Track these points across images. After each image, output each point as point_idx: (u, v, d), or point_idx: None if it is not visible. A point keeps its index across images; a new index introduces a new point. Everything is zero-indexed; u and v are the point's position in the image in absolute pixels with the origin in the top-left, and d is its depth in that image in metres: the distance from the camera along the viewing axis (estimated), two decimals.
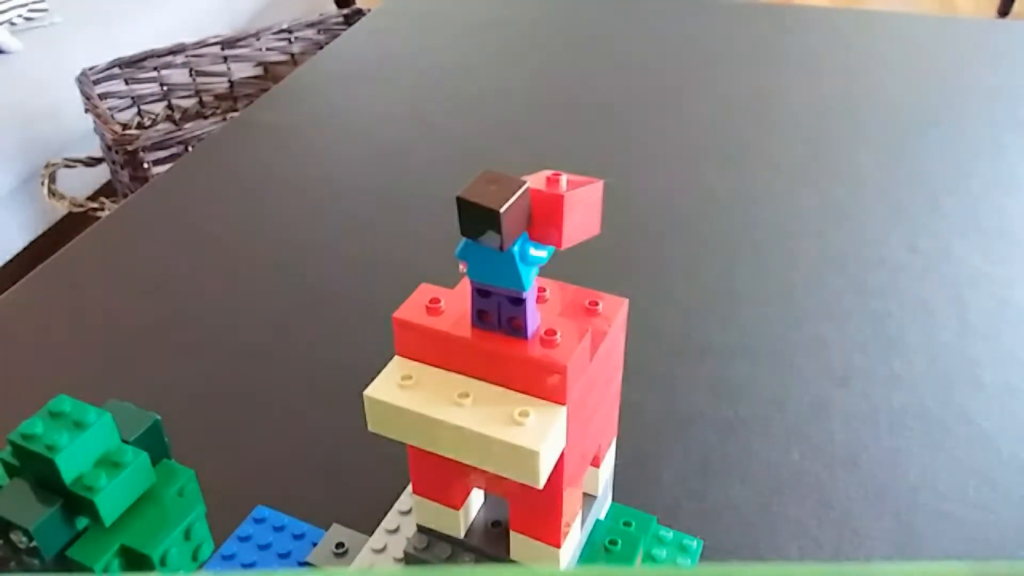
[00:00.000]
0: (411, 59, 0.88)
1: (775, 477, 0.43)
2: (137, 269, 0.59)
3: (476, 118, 0.77)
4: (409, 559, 0.32)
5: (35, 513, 0.25)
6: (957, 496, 0.42)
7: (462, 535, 0.31)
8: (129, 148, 1.32)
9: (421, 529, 0.32)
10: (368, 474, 0.43)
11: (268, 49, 1.65)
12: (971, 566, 0.13)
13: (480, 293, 0.26)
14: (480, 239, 0.24)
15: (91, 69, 1.47)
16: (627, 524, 0.35)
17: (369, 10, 1.08)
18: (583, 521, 0.32)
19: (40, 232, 1.60)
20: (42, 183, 1.41)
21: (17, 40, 1.66)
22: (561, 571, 0.30)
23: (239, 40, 1.62)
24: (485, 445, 0.26)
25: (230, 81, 1.65)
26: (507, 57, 0.88)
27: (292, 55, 1.67)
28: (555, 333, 0.26)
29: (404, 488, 0.36)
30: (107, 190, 1.64)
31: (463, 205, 0.24)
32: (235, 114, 1.32)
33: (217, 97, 1.65)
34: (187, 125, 1.37)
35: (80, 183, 1.58)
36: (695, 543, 0.37)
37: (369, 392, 0.27)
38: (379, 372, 0.28)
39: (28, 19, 1.73)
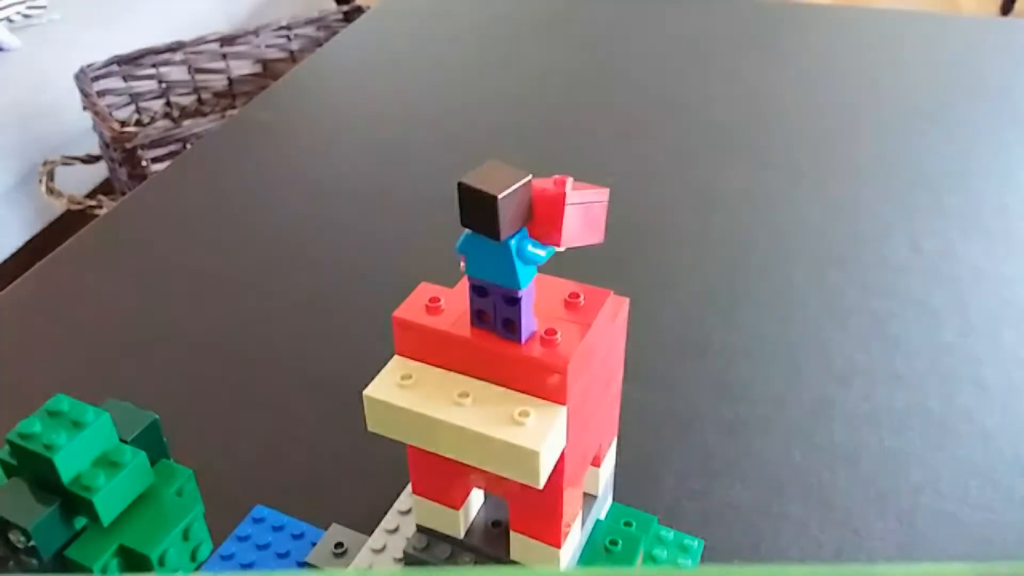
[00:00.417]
0: (410, 57, 0.87)
1: (776, 477, 0.43)
2: (135, 267, 0.59)
3: (476, 116, 0.77)
4: (409, 559, 0.32)
5: (33, 513, 0.25)
6: (959, 496, 0.42)
7: (462, 535, 0.31)
8: (127, 146, 1.32)
9: (421, 529, 0.32)
10: (367, 474, 0.43)
11: (267, 46, 1.65)
12: (973, 567, 0.13)
13: (477, 291, 0.26)
14: (477, 228, 0.24)
15: (89, 66, 1.47)
16: (628, 524, 0.35)
17: (368, 7, 1.07)
18: (583, 521, 0.32)
19: (38, 230, 1.60)
20: (40, 181, 1.40)
21: (15, 37, 1.66)
22: (561, 571, 0.30)
23: (238, 37, 1.62)
24: (485, 445, 0.26)
25: (229, 78, 1.64)
26: (507, 56, 0.88)
27: (291, 52, 1.67)
28: (555, 333, 0.26)
29: (403, 488, 0.36)
30: (105, 188, 1.64)
31: (463, 190, 0.24)
32: (234, 112, 1.31)
33: (216, 95, 1.65)
34: (186, 123, 1.36)
35: (78, 181, 1.58)
36: (696, 543, 0.37)
37: (369, 392, 0.27)
38: (379, 372, 0.28)
39: (26, 16, 1.73)
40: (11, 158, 1.51)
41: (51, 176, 1.41)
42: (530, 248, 0.25)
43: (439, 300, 0.28)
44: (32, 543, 0.25)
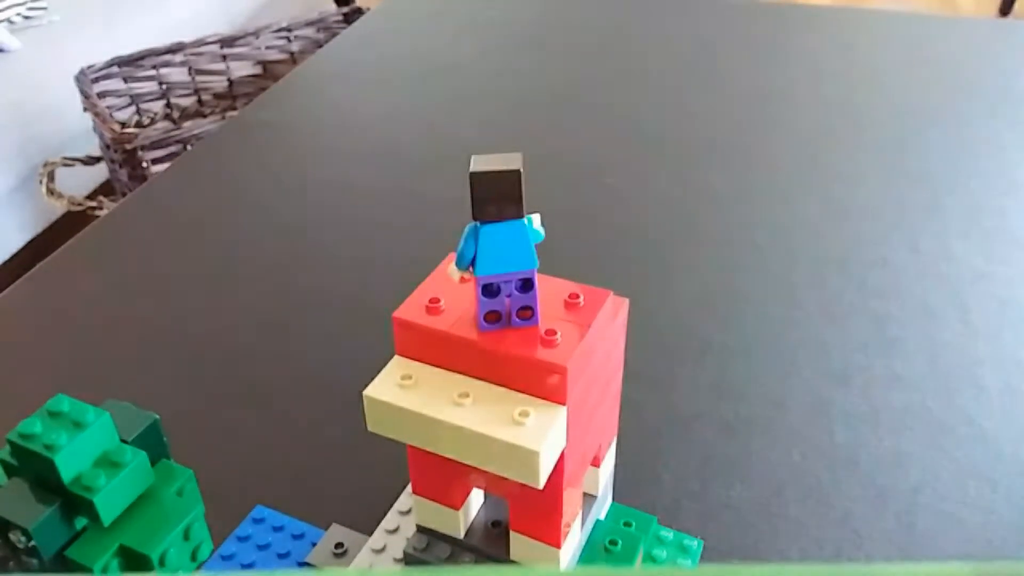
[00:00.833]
0: (410, 58, 0.87)
1: (775, 477, 0.43)
2: (136, 268, 0.59)
3: (475, 117, 0.77)
4: (409, 559, 0.32)
5: (34, 513, 0.25)
6: (958, 497, 0.42)
7: (462, 535, 0.31)
8: (128, 147, 1.32)
9: (421, 529, 0.32)
10: (367, 474, 0.43)
11: (267, 48, 1.65)
12: (972, 567, 0.13)
13: (487, 292, 0.26)
14: (496, 214, 0.25)
15: (90, 68, 1.47)
16: (627, 524, 0.35)
17: (368, 9, 1.07)
18: (583, 521, 0.32)
19: (39, 231, 1.60)
20: (40, 182, 1.40)
21: (16, 39, 1.66)
22: (561, 571, 0.30)
23: (238, 39, 1.62)
24: (485, 445, 0.26)
25: (229, 80, 1.64)
26: (507, 56, 0.88)
27: (291, 54, 1.67)
28: (555, 333, 0.26)
29: (404, 488, 0.36)
30: (106, 189, 1.64)
31: (479, 179, 0.24)
32: (234, 113, 1.31)
33: (216, 96, 1.65)
34: (186, 124, 1.36)
35: (78, 182, 1.58)
36: (695, 543, 0.37)
37: (369, 392, 0.27)
38: (379, 372, 0.28)
39: (27, 17, 1.73)
40: (11, 159, 1.51)
41: (51, 177, 1.41)
42: (535, 224, 0.26)
43: (439, 300, 0.28)
44: (33, 543, 0.25)
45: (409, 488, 0.35)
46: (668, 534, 0.37)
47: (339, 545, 0.36)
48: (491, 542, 0.31)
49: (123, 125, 1.55)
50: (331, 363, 0.50)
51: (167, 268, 0.59)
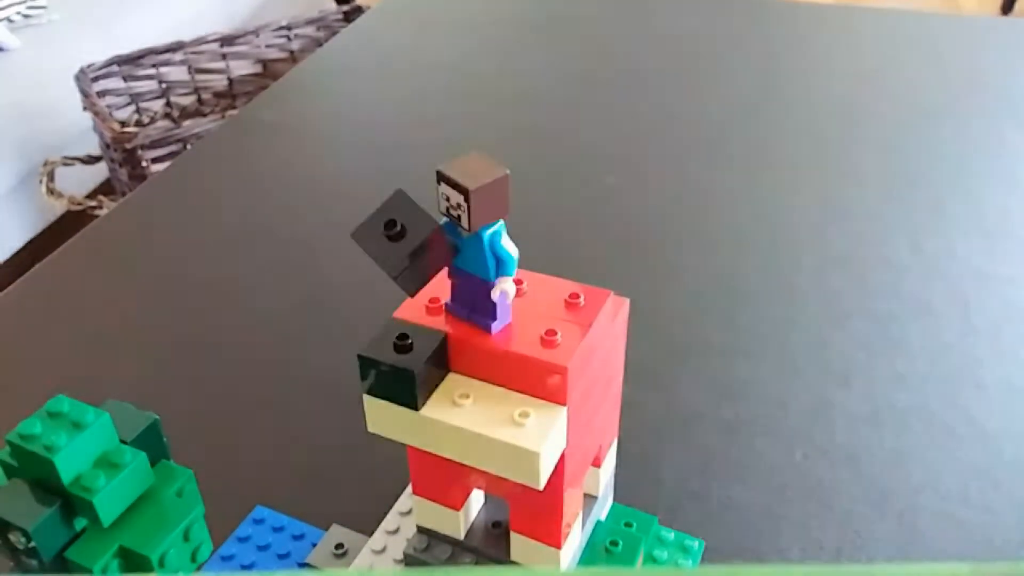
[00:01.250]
0: (410, 56, 0.87)
1: (777, 478, 0.43)
2: (136, 268, 0.59)
3: (475, 116, 0.77)
4: (409, 560, 0.32)
5: (33, 514, 0.25)
6: (959, 497, 0.42)
7: (462, 536, 0.31)
8: (128, 146, 1.32)
9: (421, 530, 0.32)
10: (368, 475, 0.43)
11: (267, 46, 1.64)
12: (973, 567, 0.13)
13: (455, 276, 0.27)
14: (452, 217, 0.25)
15: (89, 66, 1.47)
16: (628, 525, 0.35)
17: (368, 7, 1.07)
18: (584, 522, 0.32)
19: (38, 230, 1.60)
20: (40, 181, 1.40)
21: (15, 37, 1.66)
22: (561, 572, 0.30)
23: (238, 37, 1.62)
24: (485, 446, 0.26)
25: (229, 79, 1.64)
26: (507, 55, 0.88)
27: (291, 52, 1.67)
28: (555, 334, 0.26)
29: (404, 489, 0.36)
30: (105, 188, 1.64)
31: (440, 177, 0.25)
32: (234, 112, 1.31)
33: (216, 95, 1.65)
34: (186, 123, 1.36)
35: (78, 181, 1.58)
36: (696, 544, 0.37)
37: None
38: None
39: (26, 16, 1.73)
40: (11, 158, 1.51)
41: (51, 176, 1.41)
42: (504, 242, 0.26)
43: (439, 300, 0.28)
44: (32, 544, 0.25)
45: (409, 489, 0.35)
46: (669, 534, 0.37)
47: (339, 546, 0.36)
48: (491, 543, 0.31)
49: (123, 124, 1.55)
50: (331, 363, 0.50)
51: (167, 268, 0.59)
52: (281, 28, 1.64)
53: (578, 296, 0.28)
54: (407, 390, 0.26)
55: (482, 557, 0.31)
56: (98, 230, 0.63)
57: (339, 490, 0.42)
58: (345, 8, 1.69)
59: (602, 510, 0.35)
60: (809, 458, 0.44)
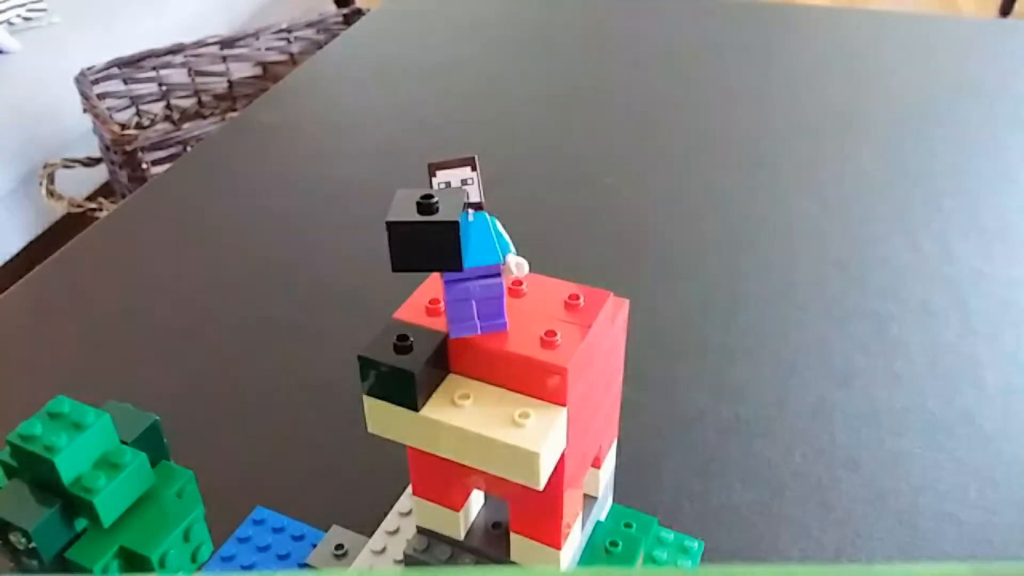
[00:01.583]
0: (410, 59, 0.87)
1: (776, 478, 0.43)
2: (136, 269, 0.59)
3: (475, 118, 0.77)
4: (409, 561, 0.32)
5: (34, 514, 0.25)
6: (958, 497, 0.42)
7: (462, 537, 0.31)
8: (128, 148, 1.32)
9: (421, 531, 0.32)
10: (368, 475, 0.43)
11: (267, 49, 1.65)
12: (973, 567, 0.13)
13: (452, 292, 0.26)
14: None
15: (90, 69, 1.47)
16: (628, 525, 0.35)
17: (368, 10, 1.07)
18: (584, 522, 0.32)
19: (39, 233, 1.60)
20: (40, 183, 1.40)
21: (15, 40, 1.66)
22: (561, 572, 0.30)
23: (238, 40, 1.62)
24: (485, 446, 0.26)
25: (229, 81, 1.64)
26: (507, 57, 0.88)
27: (291, 55, 1.67)
28: (555, 334, 0.26)
29: (404, 489, 0.36)
30: (105, 190, 1.64)
31: (434, 168, 0.25)
32: (234, 114, 1.31)
33: (216, 97, 1.65)
34: (186, 125, 1.36)
35: (78, 183, 1.58)
36: (696, 544, 0.37)
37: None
38: None
39: (27, 19, 1.73)
40: (11, 161, 1.51)
41: (51, 179, 1.41)
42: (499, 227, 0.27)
43: (439, 301, 0.28)
44: (33, 545, 0.25)
45: (409, 489, 0.35)
46: (669, 535, 0.37)
47: (339, 546, 0.36)
48: (491, 543, 0.31)
49: (123, 126, 1.55)
50: (331, 364, 0.50)
51: (167, 269, 0.59)
52: (281, 31, 1.64)
53: (578, 297, 0.28)
54: (407, 391, 0.26)
55: (482, 558, 0.31)
56: (98, 232, 0.64)
57: (339, 491, 0.43)
58: (345, 11, 1.69)
59: (602, 511, 0.35)
60: (808, 458, 0.44)
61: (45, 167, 1.42)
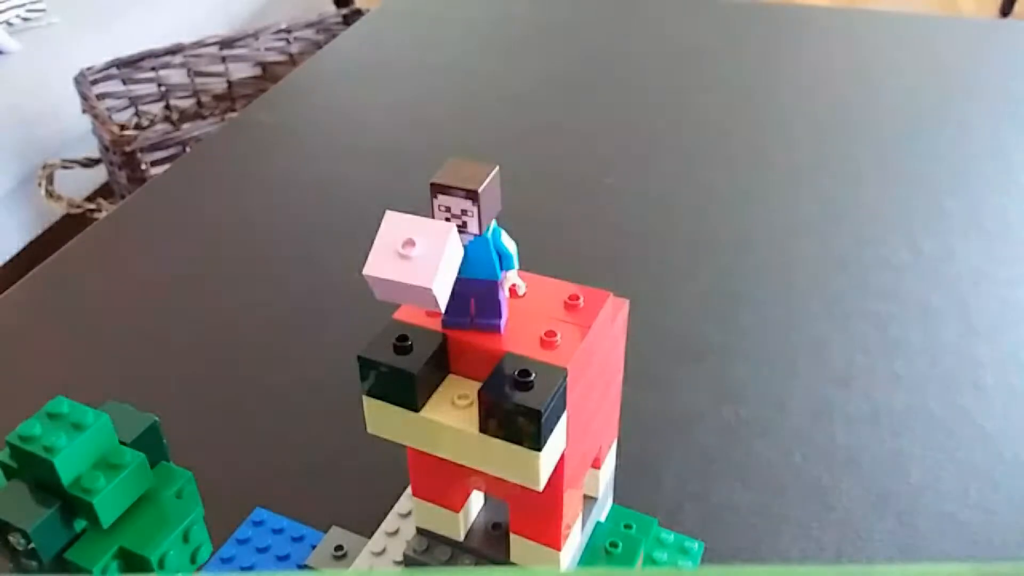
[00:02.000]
0: (410, 59, 0.87)
1: (777, 479, 0.43)
2: (135, 270, 0.59)
3: (475, 118, 0.77)
4: (409, 562, 0.32)
5: (33, 515, 0.25)
6: (959, 498, 0.42)
7: (462, 537, 0.31)
8: (127, 149, 1.32)
9: (421, 531, 0.32)
10: (367, 476, 0.43)
11: (266, 49, 1.64)
12: (973, 567, 0.13)
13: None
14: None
15: (89, 69, 1.47)
16: (628, 526, 0.35)
17: (368, 10, 1.07)
18: (583, 523, 0.32)
19: (38, 233, 1.60)
20: (39, 184, 1.40)
21: (15, 40, 1.66)
22: (561, 573, 0.30)
23: (237, 40, 1.62)
24: (485, 447, 0.26)
25: (228, 81, 1.64)
26: (506, 57, 0.88)
27: (291, 55, 1.67)
28: (555, 335, 0.26)
29: (403, 490, 0.36)
30: (105, 191, 1.63)
31: (437, 189, 0.24)
32: (233, 115, 1.31)
33: (215, 97, 1.65)
34: (185, 126, 1.36)
35: (78, 184, 1.58)
36: (696, 545, 0.37)
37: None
38: None
39: (26, 19, 1.73)
40: (10, 161, 1.51)
41: (50, 179, 1.41)
42: (504, 240, 0.26)
43: None
44: (32, 545, 0.25)
45: (409, 490, 0.35)
46: (669, 536, 0.37)
47: (339, 547, 0.36)
48: (491, 544, 0.31)
49: (122, 127, 1.54)
50: (331, 364, 0.50)
51: (166, 270, 0.59)
52: (280, 31, 1.64)
53: (577, 297, 0.28)
54: (407, 391, 0.26)
55: (482, 559, 0.31)
56: (97, 233, 0.63)
57: (339, 492, 0.42)
58: (344, 11, 1.69)
59: (602, 511, 0.35)
60: (809, 459, 0.44)
61: (44, 167, 1.42)
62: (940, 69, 0.83)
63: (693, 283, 0.56)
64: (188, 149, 1.33)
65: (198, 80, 1.62)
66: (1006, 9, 2.37)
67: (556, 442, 0.26)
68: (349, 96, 0.82)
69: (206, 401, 0.48)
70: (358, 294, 0.56)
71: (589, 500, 0.33)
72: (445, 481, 0.30)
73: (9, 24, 1.70)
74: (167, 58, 1.56)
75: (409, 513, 0.35)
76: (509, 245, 0.26)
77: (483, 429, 0.25)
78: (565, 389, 0.25)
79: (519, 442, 0.25)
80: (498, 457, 0.26)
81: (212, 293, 0.57)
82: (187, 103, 1.63)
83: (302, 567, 0.36)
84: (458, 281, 0.26)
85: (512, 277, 0.26)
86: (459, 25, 0.95)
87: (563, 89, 0.81)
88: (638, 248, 0.60)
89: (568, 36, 0.92)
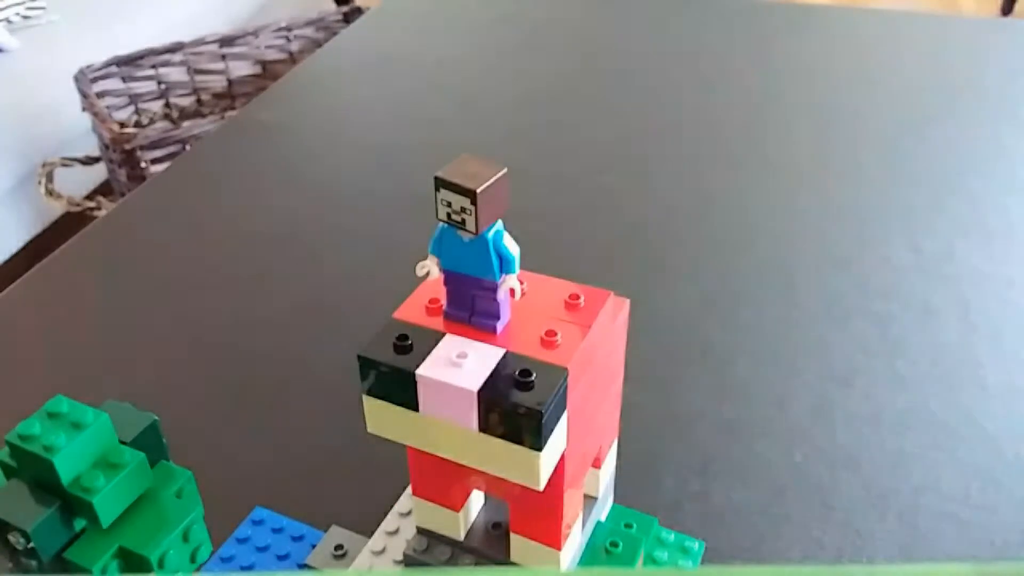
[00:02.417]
0: (410, 58, 0.87)
1: (777, 478, 0.43)
2: (134, 269, 0.59)
3: (475, 117, 0.77)
4: (409, 561, 0.32)
5: (33, 514, 0.25)
6: (960, 497, 0.42)
7: (462, 537, 0.31)
8: (127, 147, 1.32)
9: (421, 531, 0.32)
10: (367, 475, 0.43)
11: (266, 47, 1.64)
12: (974, 567, 0.13)
13: (451, 282, 0.26)
14: (454, 223, 0.25)
15: (88, 67, 1.47)
16: (628, 526, 0.35)
17: (368, 8, 1.07)
18: (584, 523, 0.32)
19: (37, 231, 1.60)
20: (39, 182, 1.40)
21: (14, 38, 1.66)
22: (561, 573, 0.30)
23: (237, 38, 1.62)
24: (485, 447, 0.26)
25: (228, 79, 1.64)
26: (506, 56, 0.88)
27: (291, 53, 1.67)
28: (555, 334, 0.26)
29: (403, 490, 0.36)
30: (104, 189, 1.63)
31: (439, 183, 0.24)
32: (233, 113, 1.31)
33: (215, 96, 1.65)
34: (185, 124, 1.36)
35: (77, 182, 1.58)
36: (697, 545, 0.37)
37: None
38: None
39: (25, 17, 1.73)
40: (10, 159, 1.51)
41: (50, 177, 1.41)
42: (506, 242, 0.26)
43: (439, 301, 0.28)
44: (31, 545, 0.25)
45: (409, 490, 0.35)
46: (669, 536, 0.37)
47: (339, 547, 0.36)
48: (491, 544, 0.31)
49: (122, 125, 1.54)
50: (331, 364, 0.50)
51: (166, 269, 0.59)
52: (280, 29, 1.64)
53: (578, 297, 0.28)
54: (407, 391, 0.26)
55: (482, 558, 0.31)
56: (97, 231, 0.63)
57: (339, 491, 0.42)
58: (344, 9, 1.69)
59: (602, 511, 0.35)
60: (809, 459, 0.44)
61: (44, 166, 1.42)
62: (940, 68, 0.83)
63: (693, 283, 0.56)
64: (188, 147, 1.32)
65: (198, 78, 1.61)
66: (1007, 8, 2.37)
67: (556, 442, 0.26)
68: (349, 94, 0.82)
69: (206, 399, 0.48)
70: (359, 292, 0.56)
71: (589, 500, 0.33)
72: (445, 480, 0.30)
73: (9, 22, 1.69)
74: (167, 56, 1.56)
75: (409, 512, 0.35)
76: (512, 248, 0.26)
77: (483, 429, 0.25)
78: (566, 389, 0.25)
79: (520, 442, 0.25)
80: (498, 457, 0.26)
81: (212, 291, 0.57)
82: (187, 101, 1.63)
83: (302, 566, 0.36)
84: (458, 276, 0.26)
85: (511, 281, 0.26)
86: (459, 24, 0.95)
87: (563, 88, 0.81)
88: (638, 248, 0.60)
89: (568, 35, 0.92)
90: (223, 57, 1.61)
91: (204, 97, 1.64)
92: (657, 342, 0.51)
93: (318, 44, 1.66)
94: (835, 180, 0.66)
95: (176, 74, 1.59)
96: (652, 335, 0.52)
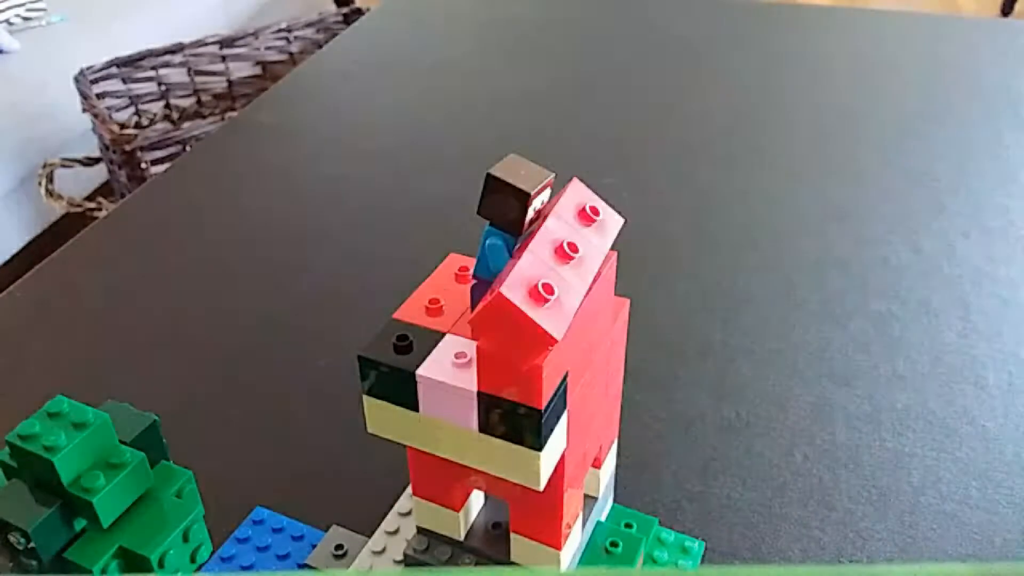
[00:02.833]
0: (410, 59, 0.87)
1: (777, 478, 0.43)
2: (135, 269, 0.59)
3: (475, 117, 0.77)
4: (409, 561, 0.32)
5: (33, 514, 0.25)
6: (960, 497, 0.42)
7: (462, 537, 0.31)
8: (127, 148, 1.32)
9: (421, 531, 0.32)
10: (367, 475, 0.43)
11: (267, 48, 1.64)
12: (974, 567, 0.13)
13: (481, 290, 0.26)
14: (496, 221, 0.25)
15: (89, 68, 1.47)
16: (628, 526, 0.35)
17: (368, 9, 1.07)
18: (584, 523, 0.32)
19: (38, 232, 1.60)
20: (40, 183, 1.40)
21: (15, 40, 1.66)
22: (562, 573, 0.30)
23: (237, 39, 1.62)
24: (485, 447, 0.26)
25: (228, 81, 1.64)
26: (506, 57, 0.88)
27: (291, 54, 1.67)
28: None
29: (404, 490, 0.36)
30: (105, 190, 1.64)
31: (492, 181, 0.24)
32: (233, 114, 1.31)
33: (215, 97, 1.65)
34: (185, 125, 1.36)
35: (78, 183, 1.58)
36: (697, 545, 0.37)
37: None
38: None
39: (26, 19, 1.73)
40: (10, 160, 1.51)
41: (50, 178, 1.41)
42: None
43: (439, 301, 0.28)
44: (32, 545, 0.25)
45: (409, 490, 0.35)
46: (669, 535, 0.37)
47: (339, 547, 0.36)
48: (491, 544, 0.31)
49: (122, 126, 1.54)
50: (331, 364, 0.50)
51: (166, 269, 0.59)
52: (281, 30, 1.64)
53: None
54: (407, 391, 0.26)
55: (482, 558, 0.31)
56: (97, 232, 0.63)
57: (339, 491, 0.42)
58: (345, 10, 1.69)
59: (602, 511, 0.35)
60: (809, 458, 0.44)
61: (44, 166, 1.42)
62: (940, 68, 0.83)
63: (693, 283, 0.56)
64: (188, 148, 1.32)
65: (198, 79, 1.62)
66: (1006, 9, 2.37)
67: (557, 442, 0.26)
68: (349, 95, 0.82)
69: (206, 400, 0.48)
70: (359, 293, 0.56)
71: (589, 499, 0.33)
72: (445, 480, 0.30)
73: (9, 23, 1.70)
74: (167, 57, 1.56)
75: (409, 512, 0.35)
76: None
77: (483, 429, 0.25)
78: (566, 389, 0.25)
79: (520, 442, 0.25)
80: (498, 457, 0.26)
81: (212, 292, 0.57)
82: (187, 102, 1.63)
83: (302, 566, 0.36)
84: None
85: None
86: (459, 25, 0.95)
87: (563, 89, 0.81)
88: (638, 248, 0.60)
89: (568, 36, 0.92)
90: (223, 58, 1.61)
91: (204, 98, 1.64)
92: (657, 342, 0.51)
93: (318, 45, 1.67)
94: (835, 180, 0.66)
95: (176, 75, 1.59)
96: (652, 335, 0.52)
